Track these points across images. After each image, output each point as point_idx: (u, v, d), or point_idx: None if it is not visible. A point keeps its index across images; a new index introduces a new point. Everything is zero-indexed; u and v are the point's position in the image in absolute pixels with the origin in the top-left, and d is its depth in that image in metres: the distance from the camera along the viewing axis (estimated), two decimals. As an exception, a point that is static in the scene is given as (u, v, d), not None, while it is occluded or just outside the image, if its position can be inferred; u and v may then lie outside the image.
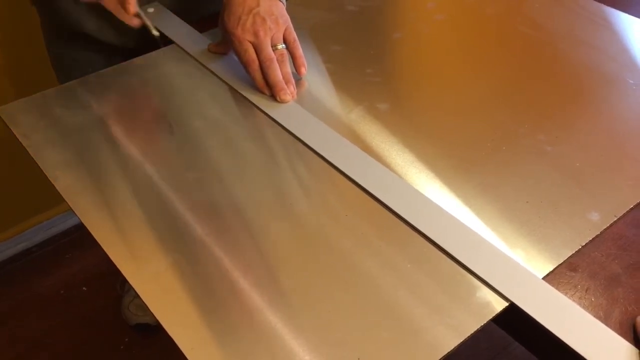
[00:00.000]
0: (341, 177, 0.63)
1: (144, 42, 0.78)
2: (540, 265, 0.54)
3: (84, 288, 1.47)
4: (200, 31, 0.84)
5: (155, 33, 0.72)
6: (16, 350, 1.35)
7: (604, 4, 0.91)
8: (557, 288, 0.52)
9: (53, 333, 1.38)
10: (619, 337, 0.48)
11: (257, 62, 0.73)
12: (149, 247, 0.56)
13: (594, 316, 0.49)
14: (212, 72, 0.78)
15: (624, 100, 0.73)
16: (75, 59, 0.90)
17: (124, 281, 0.62)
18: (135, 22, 0.73)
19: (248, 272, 0.53)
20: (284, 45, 0.74)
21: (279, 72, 0.72)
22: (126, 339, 1.35)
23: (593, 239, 0.56)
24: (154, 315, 0.50)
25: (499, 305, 0.50)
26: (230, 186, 0.62)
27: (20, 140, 0.68)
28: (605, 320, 0.50)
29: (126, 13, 0.72)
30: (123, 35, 0.85)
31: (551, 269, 0.54)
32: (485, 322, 0.49)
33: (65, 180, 0.63)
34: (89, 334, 1.37)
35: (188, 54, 0.80)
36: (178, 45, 0.82)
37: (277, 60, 0.73)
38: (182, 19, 0.86)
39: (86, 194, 0.61)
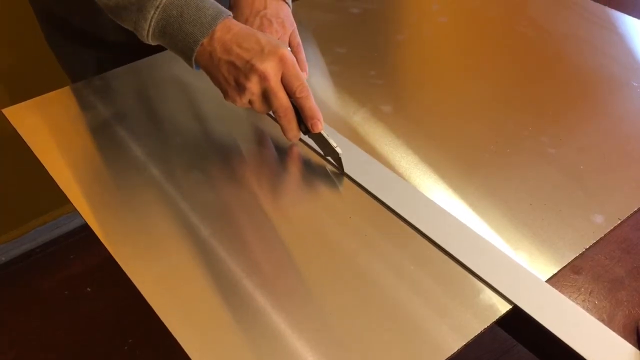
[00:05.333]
0: (345, 178, 0.63)
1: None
2: (543, 267, 0.54)
3: (87, 289, 1.47)
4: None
5: (340, 152, 0.61)
6: (19, 351, 1.35)
7: (608, 6, 0.91)
8: (560, 291, 0.52)
9: (56, 334, 1.38)
10: (622, 339, 0.48)
11: None
12: (154, 248, 0.56)
13: (597, 319, 0.50)
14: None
15: (627, 102, 0.73)
16: (81, 58, 0.90)
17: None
18: (296, 138, 0.64)
19: (252, 273, 0.53)
20: (289, 49, 0.75)
21: None
22: (130, 340, 1.36)
23: (597, 241, 0.56)
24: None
25: (503, 307, 0.51)
26: (235, 187, 0.62)
27: (26, 141, 0.69)
28: (609, 323, 0.50)
29: (299, 130, 0.63)
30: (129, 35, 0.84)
31: (555, 271, 0.54)
32: (488, 324, 0.49)
33: (70, 181, 0.63)
34: (92, 335, 1.38)
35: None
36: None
37: None
38: None
39: (91, 194, 0.62)
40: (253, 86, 0.59)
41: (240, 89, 0.60)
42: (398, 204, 0.59)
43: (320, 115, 0.61)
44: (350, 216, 0.59)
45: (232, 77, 0.61)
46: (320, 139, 0.63)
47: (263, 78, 0.59)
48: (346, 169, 0.63)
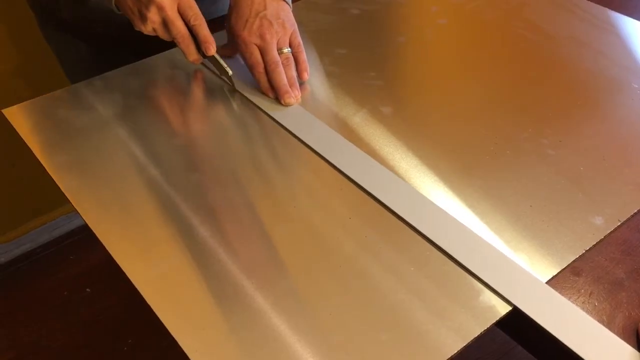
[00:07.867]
0: (345, 180, 0.63)
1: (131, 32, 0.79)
2: (543, 269, 0.54)
3: (87, 289, 1.47)
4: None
5: (230, 72, 0.73)
6: (19, 352, 1.35)
7: (608, 7, 0.91)
8: (560, 292, 0.52)
9: (56, 334, 1.38)
10: (622, 341, 0.48)
11: (262, 65, 0.73)
12: (153, 249, 0.56)
13: (597, 321, 0.49)
14: (216, 74, 0.78)
15: (628, 104, 0.73)
16: (72, 49, 0.91)
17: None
18: (197, 61, 0.74)
19: (252, 274, 0.53)
20: (289, 49, 0.75)
21: (284, 75, 0.73)
22: (130, 340, 1.36)
23: (597, 243, 0.56)
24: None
25: (503, 309, 0.50)
26: (234, 188, 0.62)
27: (25, 141, 0.69)
28: (609, 324, 0.50)
29: (199, 54, 0.73)
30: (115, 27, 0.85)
31: (555, 273, 0.54)
32: (488, 325, 0.49)
33: (70, 181, 0.63)
34: (92, 336, 1.38)
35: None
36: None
37: (283, 64, 0.73)
38: None
39: (91, 195, 0.62)
40: (153, 16, 0.69)
41: (143, 18, 0.70)
42: (398, 205, 0.59)
43: (212, 40, 0.71)
44: (350, 217, 0.59)
45: (135, 8, 0.70)
46: (215, 62, 0.74)
47: (160, 8, 0.68)
48: (348, 171, 0.63)
